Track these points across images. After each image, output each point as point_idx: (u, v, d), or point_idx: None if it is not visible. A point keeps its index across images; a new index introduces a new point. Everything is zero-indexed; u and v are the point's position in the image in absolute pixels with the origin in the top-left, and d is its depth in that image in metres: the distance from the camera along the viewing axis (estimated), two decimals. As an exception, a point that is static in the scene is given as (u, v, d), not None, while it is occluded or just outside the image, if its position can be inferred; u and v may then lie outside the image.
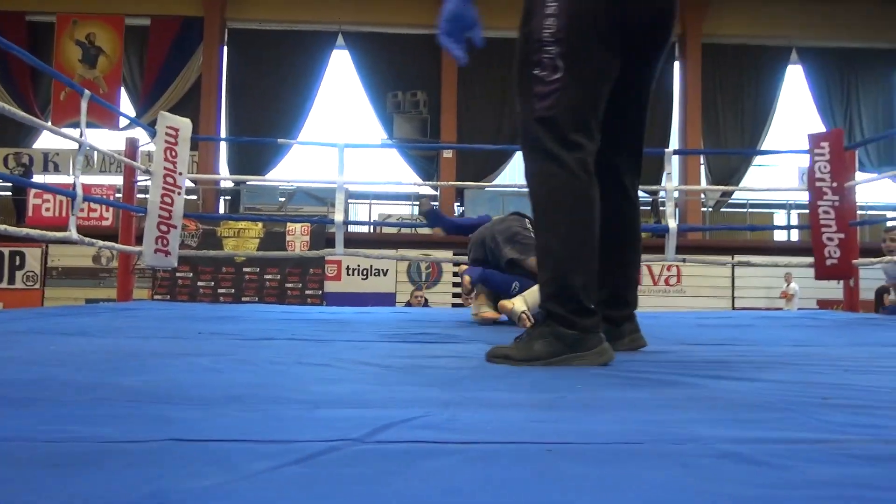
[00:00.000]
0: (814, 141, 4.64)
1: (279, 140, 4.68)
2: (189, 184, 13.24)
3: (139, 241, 4.39)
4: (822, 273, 4.61)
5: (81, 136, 3.43)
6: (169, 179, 4.35)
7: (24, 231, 3.06)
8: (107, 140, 12.06)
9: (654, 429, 0.76)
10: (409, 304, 8.18)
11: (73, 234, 3.35)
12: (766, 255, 10.30)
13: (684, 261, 4.96)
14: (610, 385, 1.14)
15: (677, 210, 13.51)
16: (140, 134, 4.97)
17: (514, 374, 1.28)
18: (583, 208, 1.45)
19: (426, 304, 8.15)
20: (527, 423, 0.82)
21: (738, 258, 10.20)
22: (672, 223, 4.69)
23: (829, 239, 4.51)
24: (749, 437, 0.72)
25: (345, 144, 4.65)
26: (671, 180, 4.73)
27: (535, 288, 2.73)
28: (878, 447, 0.69)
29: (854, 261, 4.57)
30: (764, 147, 12.80)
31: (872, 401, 1.00)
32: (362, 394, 1.03)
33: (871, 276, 9.57)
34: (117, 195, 10.81)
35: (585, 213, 1.45)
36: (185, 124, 4.45)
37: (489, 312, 2.91)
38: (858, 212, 5.21)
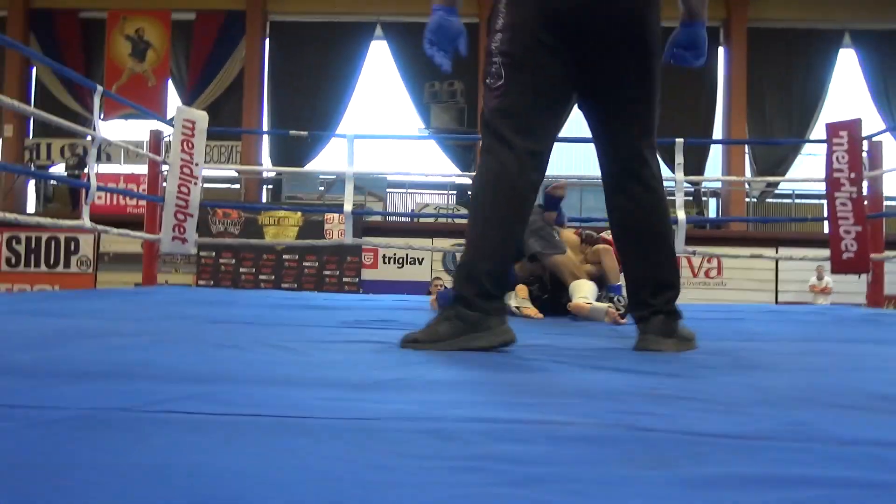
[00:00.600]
0: (832, 131, 4.49)
1: (290, 132, 4.83)
2: (232, 174, 13.71)
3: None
4: (839, 267, 4.48)
5: (94, 129, 3.64)
6: (185, 170, 4.55)
7: (36, 219, 3.28)
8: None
9: (406, 407, 0.83)
10: (429, 292, 8.27)
11: (85, 222, 3.58)
12: (813, 247, 9.95)
13: (694, 253, 4.88)
14: (451, 364, 1.21)
15: (719, 201, 13.24)
16: (167, 127, 5.19)
17: (393, 358, 1.35)
18: (503, 203, 1.57)
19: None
20: (325, 402, 0.89)
21: (759, 251, 9.93)
22: (681, 215, 4.62)
23: (847, 232, 4.37)
24: (488, 416, 0.78)
25: (354, 136, 4.77)
26: (680, 171, 4.65)
27: (584, 283, 2.77)
28: (594, 430, 0.74)
29: (873, 255, 4.43)
30: (813, 136, 12.32)
31: (688, 392, 1.03)
32: (210, 368, 1.13)
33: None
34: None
35: (503, 208, 1.57)
36: (200, 117, 4.64)
37: (531, 310, 2.89)
38: (888, 203, 4.99)
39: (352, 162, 4.84)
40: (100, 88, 3.69)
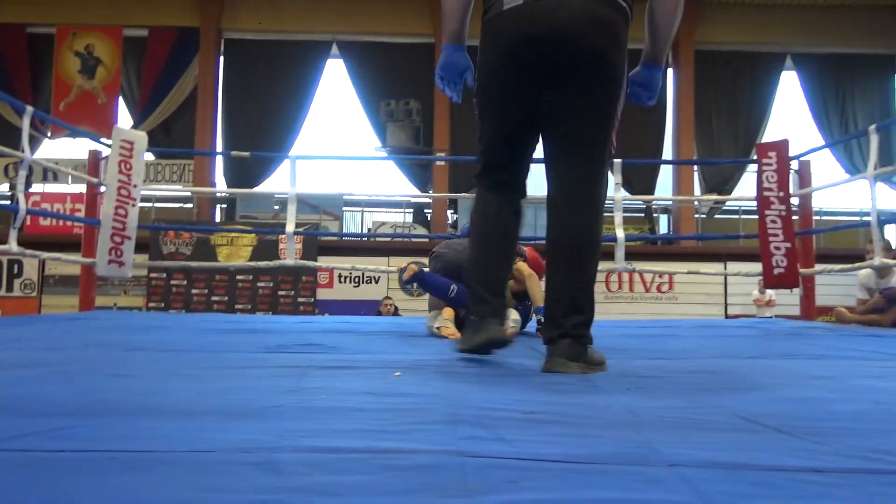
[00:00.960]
0: (761, 151, 4.66)
1: (232, 153, 4.81)
2: (185, 193, 13.49)
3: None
4: (770, 281, 4.63)
5: (22, 150, 3.57)
6: (123, 192, 4.48)
7: (-44, 244, 3.18)
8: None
9: (249, 437, 0.84)
10: (379, 312, 8.24)
11: (12, 246, 3.49)
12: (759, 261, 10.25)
13: (634, 269, 4.99)
14: (346, 392, 1.22)
15: (670, 217, 13.54)
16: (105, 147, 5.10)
17: (289, 384, 1.36)
18: (480, 225, 1.90)
19: (396, 312, 8.21)
20: (180, 433, 0.89)
21: (709, 266, 10.16)
22: (619, 233, 4.73)
23: (777, 248, 4.52)
24: (324, 446, 0.80)
25: (296, 157, 4.78)
26: (619, 190, 4.76)
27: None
28: (426, 458, 0.76)
29: (802, 269, 4.58)
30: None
31: (557, 415, 1.06)
32: (90, 401, 1.12)
33: (840, 281, 9.50)
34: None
35: (481, 229, 1.89)
36: (139, 137, 4.58)
37: (450, 329, 2.93)
38: (824, 218, 5.18)
39: (294, 183, 4.83)
40: (29, 109, 3.62)
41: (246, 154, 4.87)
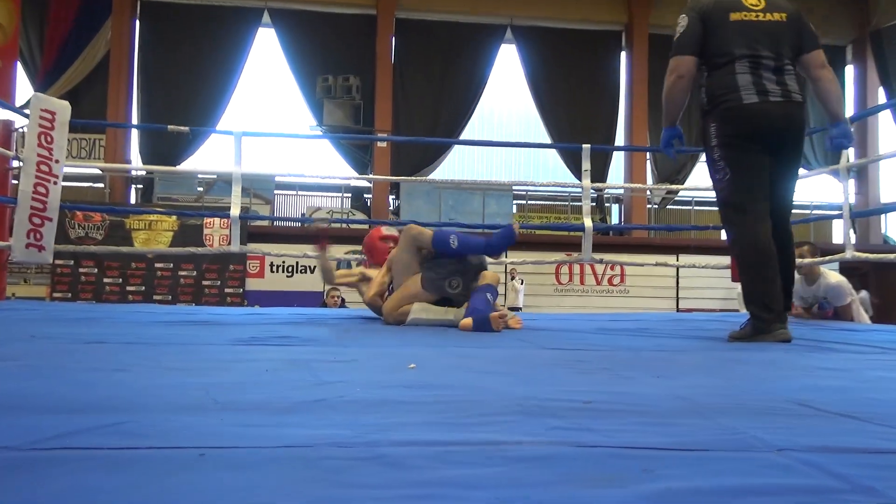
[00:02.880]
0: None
1: (169, 127, 4.62)
2: (95, 171, 12.93)
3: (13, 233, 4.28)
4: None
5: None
6: (43, 167, 4.25)
7: None
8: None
9: (338, 431, 0.82)
10: (324, 303, 8.15)
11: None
12: (712, 254, 10.67)
13: (601, 261, 5.11)
14: (370, 384, 1.21)
15: (622, 207, 13.94)
16: (18, 117, 4.82)
17: (303, 378, 1.34)
18: (759, 251, 2.71)
19: (343, 304, 8.14)
20: (245, 429, 0.86)
21: (662, 258, 10.53)
22: (588, 222, 4.83)
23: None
24: (429, 439, 0.79)
25: (242, 133, 4.64)
26: (587, 177, 4.86)
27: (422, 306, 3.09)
28: (541, 449, 0.77)
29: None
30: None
31: (620, 404, 1.08)
32: (101, 396, 1.07)
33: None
34: None
35: (761, 254, 2.71)
36: (62, 107, 4.35)
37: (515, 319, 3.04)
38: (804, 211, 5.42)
39: (239, 161, 4.69)
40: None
41: (185, 129, 4.68)
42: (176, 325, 2.84)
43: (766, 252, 2.66)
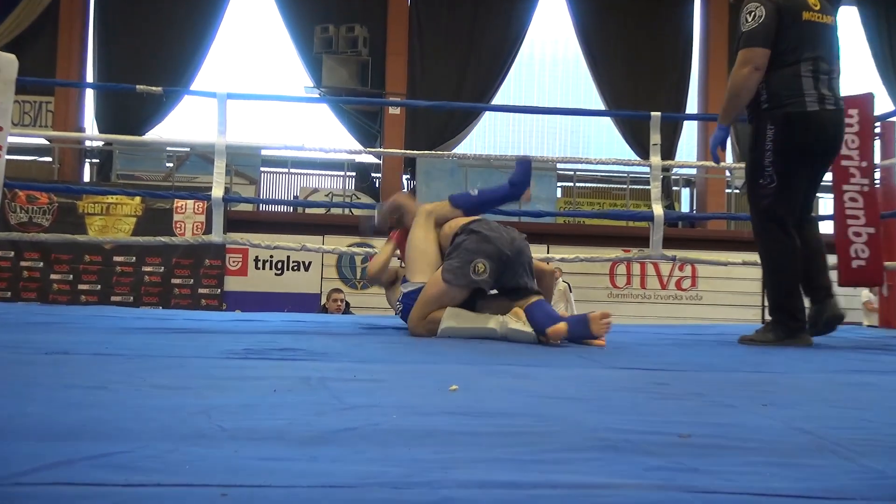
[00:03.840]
0: (841, 107, 4.78)
1: (138, 87, 4.65)
2: (41, 141, 13.07)
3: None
4: (847, 277, 4.75)
5: None
6: (-14, 136, 4.30)
7: None
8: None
9: (386, 469, 0.82)
10: (325, 308, 8.18)
11: None
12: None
13: (674, 259, 5.07)
14: (405, 408, 1.22)
15: (693, 192, 13.84)
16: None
17: (324, 400, 1.35)
18: (791, 260, 3.36)
19: (347, 309, 8.16)
20: (271, 463, 0.87)
21: (745, 256, 10.41)
22: (658, 209, 4.79)
23: (857, 234, 4.65)
24: (502, 480, 0.79)
25: (227, 94, 4.66)
26: (657, 154, 4.82)
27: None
28: (648, 495, 0.76)
29: (887, 263, 4.74)
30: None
31: (723, 438, 1.08)
32: (87, 419, 1.08)
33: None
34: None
35: (792, 263, 3.35)
36: (7, 62, 4.39)
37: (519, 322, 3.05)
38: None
39: (224, 129, 4.72)
40: None
41: (157, 89, 4.71)
42: (151, 333, 2.87)
43: (798, 266, 3.31)
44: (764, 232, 3.33)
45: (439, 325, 3.12)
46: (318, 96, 12.80)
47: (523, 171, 3.68)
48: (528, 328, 2.97)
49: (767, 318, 3.45)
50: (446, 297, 3.17)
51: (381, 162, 13.38)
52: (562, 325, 2.87)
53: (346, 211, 11.96)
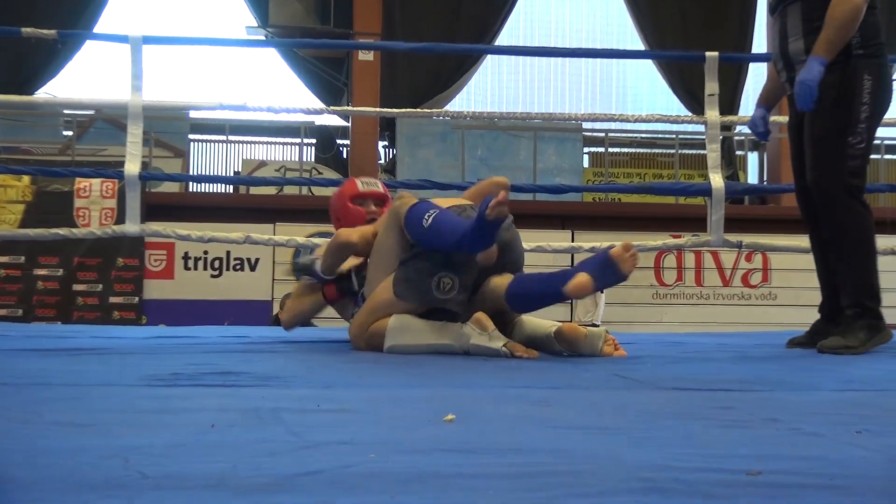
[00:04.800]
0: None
1: (24, 30, 4.63)
2: None
3: None
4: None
5: None
6: None
7: None
8: None
9: None
10: (277, 319, 8.18)
11: None
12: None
13: (740, 246, 5.09)
14: (376, 443, 1.23)
15: (763, 157, 13.86)
16: None
17: (275, 436, 1.36)
18: (871, 238, 3.58)
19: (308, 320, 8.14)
20: None
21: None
22: (717, 180, 4.81)
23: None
24: None
25: (143, 38, 4.66)
26: (713, 106, 4.84)
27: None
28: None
29: None
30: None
31: (819, 477, 1.09)
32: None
33: None
34: None
35: (872, 242, 3.59)
36: None
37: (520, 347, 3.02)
38: None
39: (140, 85, 4.72)
40: None
41: (49, 33, 4.70)
42: (48, 355, 2.88)
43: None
44: (850, 201, 3.47)
45: (384, 340, 3.15)
46: (263, 39, 12.78)
47: (480, 228, 2.96)
48: (495, 342, 2.98)
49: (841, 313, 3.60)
50: (395, 311, 3.18)
51: (349, 125, 13.37)
52: (583, 277, 2.88)
53: (305, 190, 11.96)
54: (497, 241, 3.05)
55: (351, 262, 3.55)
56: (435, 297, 3.11)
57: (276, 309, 9.45)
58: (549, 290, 2.99)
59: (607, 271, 2.89)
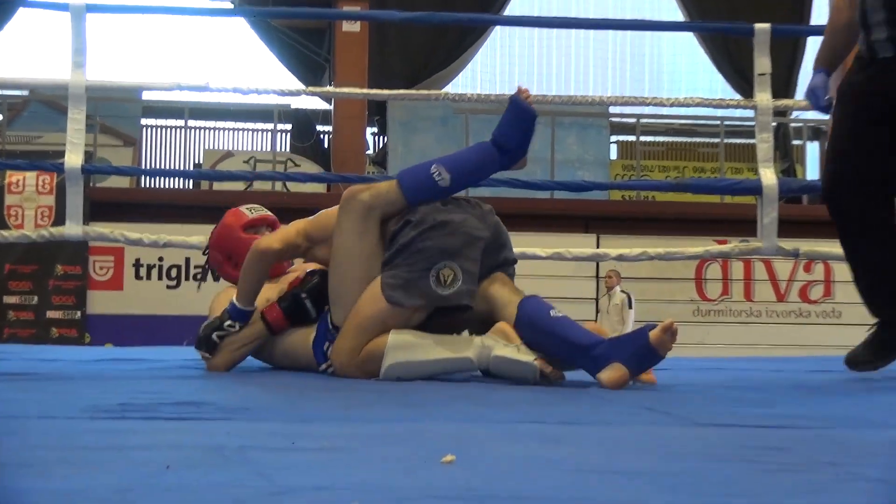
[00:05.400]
0: None
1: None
2: None
3: None
4: None
5: None
6: None
7: None
8: None
9: None
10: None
11: None
12: None
13: (797, 254, 5.10)
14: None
15: (823, 147, 13.85)
16: None
17: (249, 477, 1.37)
18: None
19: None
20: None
21: None
22: (769, 175, 4.82)
23: None
24: None
25: (87, 7, 4.69)
26: (765, 88, 4.86)
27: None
28: None
29: None
30: None
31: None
32: None
33: None
34: None
35: None
36: None
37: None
38: None
39: (83, 61, 4.75)
40: None
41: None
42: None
43: None
44: None
45: (382, 362, 3.12)
46: (230, 7, 12.83)
47: (521, 120, 3.36)
48: (524, 355, 2.98)
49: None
50: (392, 321, 3.17)
51: (331, 108, 13.39)
52: (619, 371, 2.87)
53: (279, 185, 11.97)
54: (487, 223, 3.22)
55: (267, 293, 3.47)
56: (439, 295, 3.11)
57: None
58: (577, 361, 3.03)
59: (645, 360, 2.92)
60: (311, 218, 3.51)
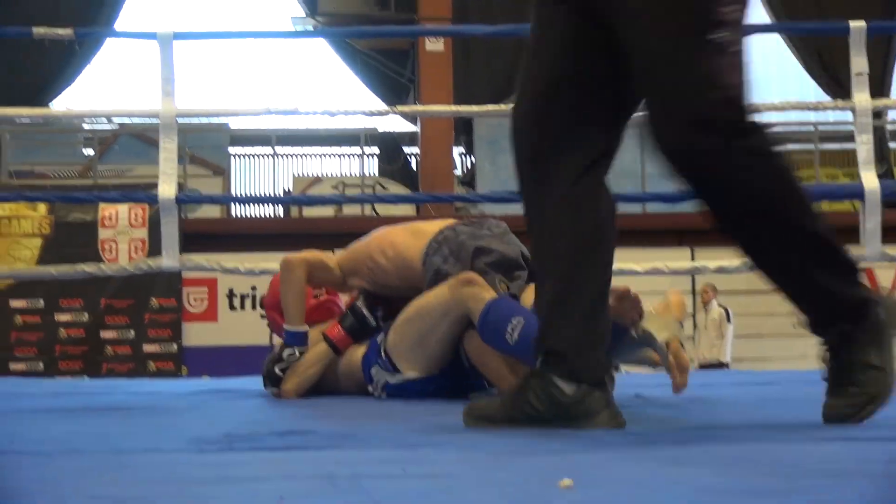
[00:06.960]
0: None
1: (35, 30, 4.72)
2: None
3: None
4: None
5: None
6: None
7: None
8: None
9: None
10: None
11: None
12: None
13: (899, 259, 5.01)
14: None
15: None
16: None
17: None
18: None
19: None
20: None
21: None
22: (870, 179, 4.73)
23: None
24: None
25: (174, 35, 4.73)
26: (863, 88, 4.77)
27: None
28: None
29: None
30: None
31: None
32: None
33: None
34: None
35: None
36: None
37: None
38: None
39: (172, 90, 4.78)
40: None
41: (65, 32, 4.80)
42: (77, 416, 2.91)
43: None
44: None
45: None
46: (312, 30, 12.93)
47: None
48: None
49: None
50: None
51: (417, 129, 13.41)
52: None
53: (368, 209, 12.01)
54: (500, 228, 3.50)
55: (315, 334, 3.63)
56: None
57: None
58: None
59: (614, 338, 2.70)
60: (344, 251, 3.76)
